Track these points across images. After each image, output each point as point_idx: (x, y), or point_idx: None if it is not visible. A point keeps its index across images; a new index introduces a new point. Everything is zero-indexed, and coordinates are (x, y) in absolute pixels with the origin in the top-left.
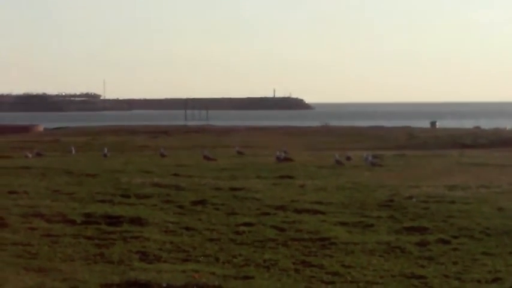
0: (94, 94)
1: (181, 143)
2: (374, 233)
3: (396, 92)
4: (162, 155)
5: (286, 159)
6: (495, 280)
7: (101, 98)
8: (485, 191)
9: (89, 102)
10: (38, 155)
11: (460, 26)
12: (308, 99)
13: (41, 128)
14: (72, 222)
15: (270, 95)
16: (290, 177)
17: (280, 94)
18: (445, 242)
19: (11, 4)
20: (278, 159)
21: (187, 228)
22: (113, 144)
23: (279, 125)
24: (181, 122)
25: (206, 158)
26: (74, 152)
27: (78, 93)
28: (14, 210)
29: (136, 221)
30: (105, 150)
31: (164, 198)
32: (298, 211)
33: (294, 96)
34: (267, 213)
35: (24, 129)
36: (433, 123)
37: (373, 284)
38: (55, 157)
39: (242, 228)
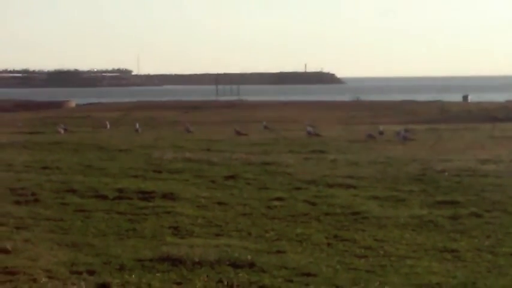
0: (125, 70)
1: (213, 118)
2: (406, 207)
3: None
4: (188, 131)
5: (316, 134)
6: None
7: (133, 73)
8: None
9: (121, 78)
10: (65, 130)
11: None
12: (339, 73)
13: (73, 104)
14: (105, 198)
15: (301, 69)
16: (322, 151)
17: (311, 69)
18: (478, 215)
19: None
20: (309, 133)
21: (219, 203)
22: (145, 120)
23: (310, 99)
24: (212, 98)
25: (238, 132)
26: (108, 127)
27: (109, 68)
28: (47, 186)
29: (169, 196)
30: (137, 125)
31: (196, 173)
32: (330, 185)
33: (325, 70)
34: (299, 188)
35: (57, 105)
36: (465, 97)
37: (406, 258)
38: (87, 133)
39: (274, 202)
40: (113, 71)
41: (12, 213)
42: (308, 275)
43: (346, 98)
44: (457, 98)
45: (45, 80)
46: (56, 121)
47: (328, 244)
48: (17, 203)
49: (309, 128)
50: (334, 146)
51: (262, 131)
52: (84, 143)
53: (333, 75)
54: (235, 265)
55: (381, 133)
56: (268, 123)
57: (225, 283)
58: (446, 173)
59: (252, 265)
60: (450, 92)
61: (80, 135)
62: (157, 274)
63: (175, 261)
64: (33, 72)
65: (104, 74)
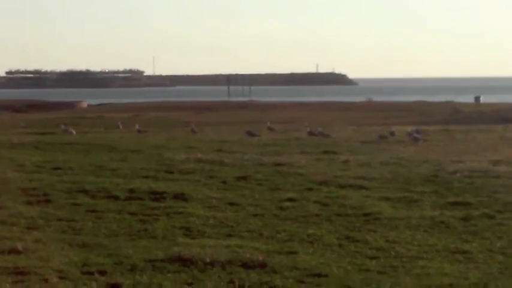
0: (137, 70)
1: (224, 118)
2: (418, 208)
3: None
4: (193, 131)
5: (321, 134)
6: None
7: (145, 74)
8: None
9: (133, 79)
10: (65, 131)
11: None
12: (351, 74)
13: (85, 105)
14: (116, 198)
15: (313, 70)
16: (334, 152)
17: (323, 69)
18: (490, 216)
19: None
20: (310, 133)
21: (230, 204)
22: (156, 120)
23: (322, 100)
24: (224, 98)
25: (249, 133)
26: (121, 127)
27: (121, 69)
28: (59, 186)
29: (180, 196)
30: (136, 126)
31: (207, 173)
32: (341, 186)
33: (337, 71)
34: (311, 189)
35: (69, 105)
36: (477, 98)
37: (418, 259)
38: (99, 133)
39: (286, 203)
40: (124, 71)
41: (23, 214)
42: (319, 275)
43: (358, 98)
44: (469, 99)
45: (57, 80)
46: (68, 122)
47: (340, 245)
48: (29, 203)
49: (308, 128)
50: (346, 147)
51: (273, 132)
52: (96, 144)
53: (344, 76)
54: (247, 266)
55: (393, 134)
56: (273, 124)
57: (237, 284)
58: (458, 174)
59: (263, 265)
60: (462, 93)
61: (91, 136)
62: (169, 274)
63: (186, 262)
64: (45, 72)
65: (115, 74)
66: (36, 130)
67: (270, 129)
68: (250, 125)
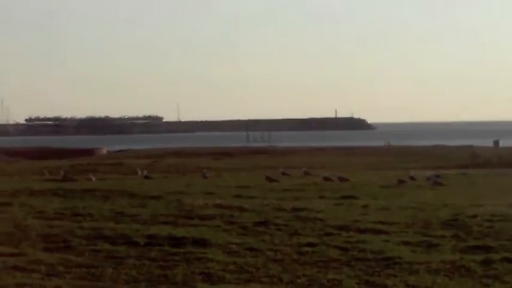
0: (156, 116)
1: (243, 164)
2: (438, 252)
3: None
4: (205, 177)
5: (342, 179)
6: None
7: (164, 120)
8: None
9: (151, 125)
10: (64, 177)
11: None
12: (370, 119)
13: (104, 151)
14: (136, 244)
15: (331, 115)
16: (353, 197)
17: (342, 114)
18: (510, 260)
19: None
20: (326, 179)
21: (250, 249)
22: (175, 166)
23: (341, 145)
24: (243, 144)
25: (269, 179)
26: (144, 173)
27: (140, 115)
28: (78, 233)
29: (200, 242)
30: (139, 171)
31: (227, 219)
32: (361, 231)
33: (356, 116)
34: (330, 234)
35: (89, 152)
36: (496, 142)
37: None
38: (118, 179)
39: (305, 248)
40: (144, 117)
41: (43, 260)
42: None
43: (377, 143)
44: (487, 142)
45: (76, 127)
46: (88, 168)
47: None
48: (48, 249)
49: (305, 169)
50: (365, 191)
51: (292, 177)
52: (115, 190)
53: (363, 120)
54: None
55: (412, 178)
56: (290, 170)
57: None
58: (478, 218)
59: None
60: (481, 137)
61: (111, 182)
62: None
63: None
64: (65, 119)
65: (135, 121)
66: (57, 177)
67: (306, 173)
68: (269, 171)
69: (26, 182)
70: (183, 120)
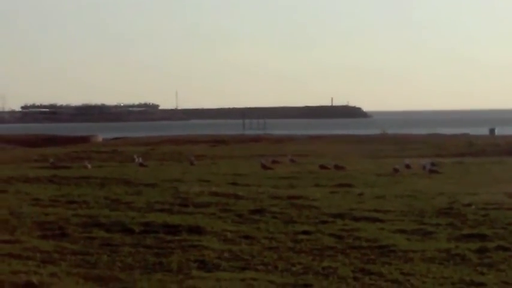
0: (152, 104)
1: (239, 152)
2: (433, 240)
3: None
4: (192, 164)
5: (338, 167)
6: None
7: (159, 108)
8: None
9: (147, 113)
10: (52, 164)
11: None
12: (366, 107)
13: (99, 139)
14: (131, 232)
15: (327, 103)
16: (348, 185)
17: (337, 103)
18: (505, 249)
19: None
20: (322, 167)
21: (245, 237)
22: (171, 154)
23: (336, 133)
24: (239, 132)
25: (264, 166)
26: (140, 160)
27: (136, 103)
28: (74, 220)
29: (195, 229)
30: (136, 158)
31: (222, 207)
32: (356, 219)
33: (351, 104)
34: (325, 222)
35: (84, 139)
36: (492, 131)
37: None
38: (114, 167)
39: (300, 236)
40: (139, 105)
41: (38, 248)
42: None
43: (373, 131)
44: (483, 131)
45: (72, 114)
46: (83, 156)
47: (355, 278)
48: (44, 237)
49: (291, 157)
50: (361, 180)
51: (288, 165)
52: (110, 177)
53: (359, 109)
54: None
55: (408, 167)
56: (278, 157)
57: None
58: (473, 207)
59: None
60: (477, 125)
61: (107, 170)
62: None
63: None
64: (60, 107)
65: (130, 108)
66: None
67: (292, 161)
68: (264, 158)
69: (21, 169)
70: (178, 107)
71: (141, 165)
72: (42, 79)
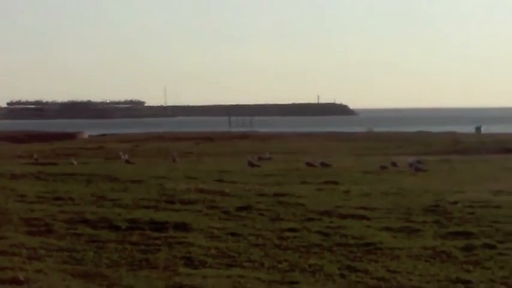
0: (138, 101)
1: (225, 149)
2: (419, 238)
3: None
4: (174, 160)
5: (324, 165)
6: None
7: (145, 104)
8: None
9: (133, 109)
10: (36, 160)
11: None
12: (352, 104)
13: (85, 135)
14: (117, 228)
15: (314, 101)
16: (335, 182)
17: (324, 100)
18: (491, 246)
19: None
20: (309, 164)
21: (232, 234)
22: (157, 151)
23: (323, 130)
24: (225, 129)
25: (250, 163)
26: (126, 157)
27: (122, 100)
28: (60, 217)
29: (181, 226)
30: (121, 155)
31: (209, 204)
32: (343, 216)
33: (338, 102)
34: (312, 219)
35: (70, 136)
36: (478, 129)
37: None
38: (100, 164)
39: (287, 233)
40: (125, 102)
41: (24, 244)
42: None
43: (359, 129)
44: (470, 129)
45: (58, 111)
46: (69, 152)
47: (341, 275)
48: (30, 233)
49: (268, 155)
50: (347, 177)
51: (275, 162)
52: (97, 174)
53: (345, 106)
54: None
55: (394, 164)
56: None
57: None
58: (460, 204)
59: None
60: (463, 123)
61: (93, 166)
62: None
63: None
64: (46, 103)
65: (116, 105)
66: (44, 161)
67: (268, 158)
68: (251, 155)
69: (6, 165)
70: (164, 104)
71: (127, 162)
72: (28, 75)
